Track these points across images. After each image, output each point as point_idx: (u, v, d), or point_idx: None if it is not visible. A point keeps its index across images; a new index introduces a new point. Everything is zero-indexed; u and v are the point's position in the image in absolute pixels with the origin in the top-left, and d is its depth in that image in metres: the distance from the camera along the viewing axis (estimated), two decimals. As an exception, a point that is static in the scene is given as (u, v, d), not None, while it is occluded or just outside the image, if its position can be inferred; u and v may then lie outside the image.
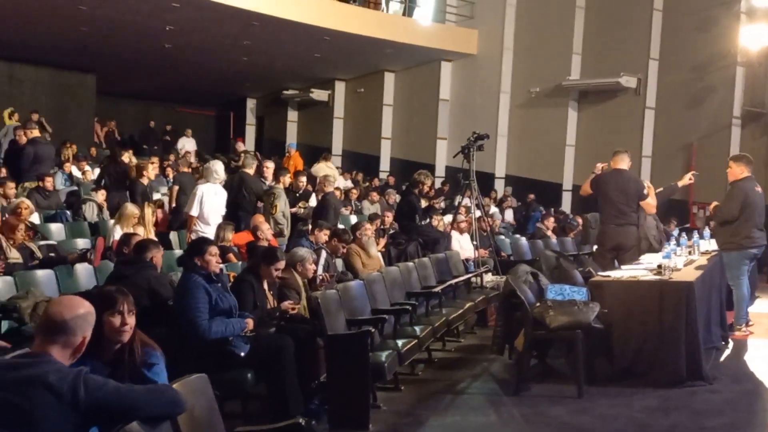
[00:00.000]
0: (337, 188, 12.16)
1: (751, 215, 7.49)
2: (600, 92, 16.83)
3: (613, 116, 16.66)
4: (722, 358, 6.90)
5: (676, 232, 8.22)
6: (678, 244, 7.46)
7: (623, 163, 7.99)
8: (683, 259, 7.15)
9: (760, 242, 7.60)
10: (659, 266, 6.34)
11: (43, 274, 6.14)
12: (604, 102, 16.85)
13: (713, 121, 15.38)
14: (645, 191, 7.98)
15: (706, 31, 15.26)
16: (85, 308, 2.67)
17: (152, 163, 11.52)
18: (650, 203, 8.03)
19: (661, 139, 16.14)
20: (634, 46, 16.23)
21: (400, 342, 5.82)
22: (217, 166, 9.07)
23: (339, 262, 7.78)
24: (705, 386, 5.79)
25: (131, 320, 3.17)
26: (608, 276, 6.50)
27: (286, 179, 9.93)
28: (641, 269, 6.64)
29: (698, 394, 5.65)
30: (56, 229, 8.76)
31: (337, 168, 18.54)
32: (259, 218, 8.49)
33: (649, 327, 5.88)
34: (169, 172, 14.41)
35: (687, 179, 8.90)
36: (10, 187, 9.18)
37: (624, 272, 6.60)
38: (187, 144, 18.43)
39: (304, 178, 10.77)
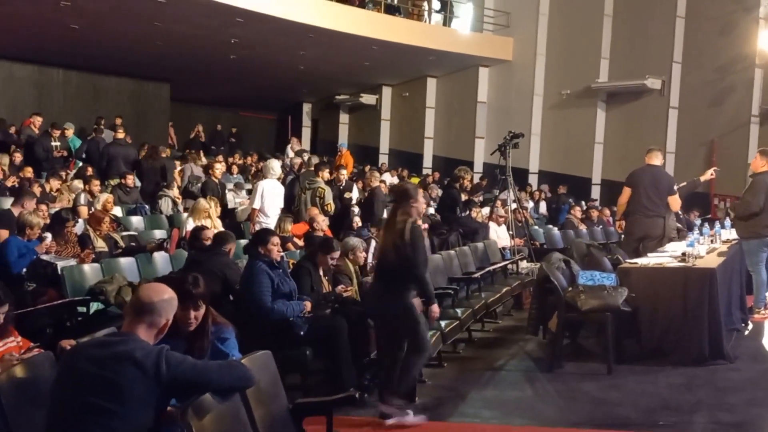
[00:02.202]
0: (383, 181, 12.14)
1: (769, 206, 7.28)
2: (626, 93, 16.53)
3: (638, 115, 16.38)
4: (742, 339, 6.71)
5: (698, 222, 8.01)
6: (701, 234, 7.31)
7: (657, 159, 7.77)
8: (706, 247, 6.99)
9: None
10: (683, 254, 6.20)
11: (126, 261, 6.27)
12: (631, 102, 16.56)
13: (733, 119, 15.05)
14: (675, 187, 7.75)
15: (726, 35, 14.92)
16: (170, 294, 2.71)
17: (218, 161, 11.65)
18: (676, 199, 7.77)
19: (684, 136, 15.82)
20: (658, 50, 15.92)
21: (443, 323, 5.79)
22: (274, 164, 9.15)
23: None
24: (726, 365, 5.65)
25: (199, 314, 3.19)
26: (636, 263, 6.37)
27: (325, 174, 9.90)
28: (666, 257, 6.50)
29: (720, 372, 5.51)
30: (136, 221, 8.92)
31: (383, 164, 18.57)
32: (315, 211, 8.53)
33: (674, 310, 5.75)
34: (234, 170, 14.60)
35: (709, 174, 8.68)
36: (96, 185, 9.39)
37: (650, 259, 6.46)
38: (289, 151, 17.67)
39: (344, 172, 10.79)
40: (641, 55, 16.16)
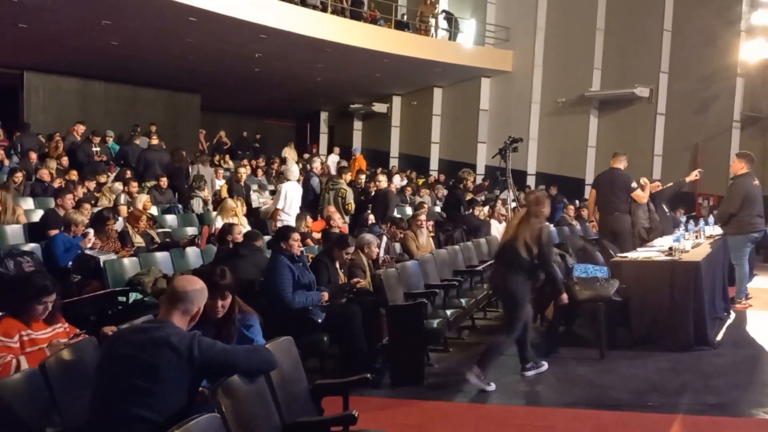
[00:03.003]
0: (392, 184, 12.13)
1: (751, 205, 7.24)
2: (617, 101, 16.42)
3: (628, 121, 16.27)
4: (725, 327, 6.67)
5: (684, 219, 7.94)
6: (686, 230, 7.26)
7: (619, 163, 7.92)
8: (691, 242, 6.94)
9: (761, 227, 7.37)
10: (670, 248, 6.18)
11: (161, 256, 6.30)
12: (621, 109, 16.45)
13: (716, 124, 14.92)
14: (633, 185, 7.79)
15: (710, 47, 14.80)
16: (201, 285, 2.74)
17: (244, 166, 11.69)
18: (639, 194, 7.85)
19: (671, 140, 15.72)
20: (646, 61, 15.81)
21: (449, 311, 5.79)
22: (294, 167, 9.20)
23: (397, 246, 7.77)
24: (710, 351, 5.65)
25: (226, 303, 3.21)
26: (626, 257, 6.34)
27: (347, 176, 9.93)
28: (655, 251, 6.46)
29: (705, 357, 5.49)
30: (170, 219, 8.97)
31: (393, 167, 18.54)
32: (332, 209, 8.53)
33: (661, 300, 5.73)
34: (259, 173, 14.64)
35: (693, 176, 8.66)
36: (134, 186, 9.45)
37: (639, 253, 6.43)
38: (332, 157, 17.18)
39: (363, 177, 10.80)
40: (631, 66, 16.05)
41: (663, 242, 7.09)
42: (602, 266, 6.09)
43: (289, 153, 18.24)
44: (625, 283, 5.74)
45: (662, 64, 15.67)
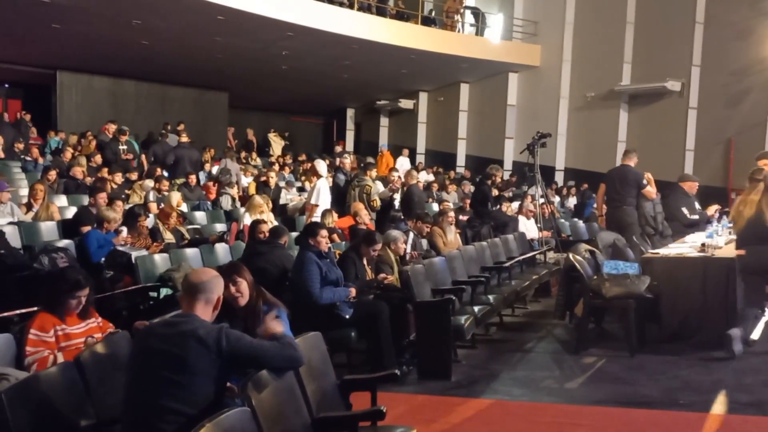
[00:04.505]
0: (419, 180, 12.06)
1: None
2: (648, 95, 16.14)
3: (659, 115, 15.99)
4: (760, 325, 6.50)
5: (717, 216, 7.80)
6: (720, 225, 7.10)
7: (629, 160, 8.07)
8: (724, 238, 6.78)
9: None
10: (703, 245, 6.05)
11: (191, 252, 6.38)
12: (652, 103, 16.16)
13: (749, 118, 14.55)
14: (644, 182, 7.92)
15: (743, 40, 14.46)
16: (214, 273, 2.80)
17: (273, 170, 11.73)
18: (650, 190, 7.98)
19: (703, 135, 15.40)
20: (678, 54, 15.50)
21: (476, 308, 5.77)
22: (323, 165, 9.23)
23: (424, 242, 7.76)
24: (745, 348, 5.48)
25: (243, 288, 3.25)
26: (657, 253, 6.24)
27: (373, 173, 9.90)
28: (687, 247, 6.35)
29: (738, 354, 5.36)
30: (200, 215, 9.07)
31: (419, 164, 18.49)
32: (359, 205, 8.54)
33: (694, 297, 5.62)
34: (287, 170, 14.70)
35: (713, 210, 8.52)
36: (165, 184, 9.59)
37: (671, 250, 6.32)
38: (405, 163, 16.65)
39: (396, 174, 10.75)
40: (662, 59, 15.76)
41: (695, 238, 6.96)
42: (633, 262, 6.01)
43: (274, 139, 18.97)
44: (656, 280, 5.65)
45: (694, 57, 15.36)
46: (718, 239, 6.37)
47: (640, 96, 16.36)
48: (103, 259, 5.92)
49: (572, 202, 15.33)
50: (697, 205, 8.24)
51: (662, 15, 15.79)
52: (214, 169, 12.59)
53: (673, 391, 4.63)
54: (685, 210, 7.94)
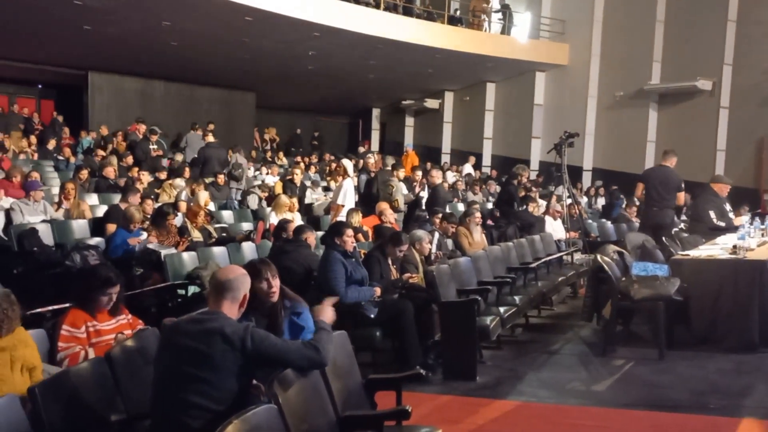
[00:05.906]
0: (445, 181, 12.03)
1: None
2: (678, 94, 15.88)
3: (689, 115, 15.73)
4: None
5: (748, 217, 7.68)
6: (752, 227, 6.97)
7: (669, 161, 7.96)
8: (756, 240, 6.66)
9: None
10: (734, 246, 5.93)
11: (218, 250, 6.44)
12: (682, 103, 15.90)
13: (782, 117, 14.27)
14: (682, 185, 7.90)
15: (776, 38, 14.16)
16: (241, 271, 2.81)
17: (299, 168, 11.81)
18: (683, 196, 8.04)
19: (734, 134, 15.11)
20: (709, 53, 15.23)
21: (502, 309, 5.73)
22: (349, 165, 9.25)
23: (449, 242, 7.73)
24: (777, 353, 5.40)
25: (276, 283, 3.28)
26: (688, 255, 6.14)
27: (401, 173, 9.90)
28: (718, 249, 6.24)
29: (770, 359, 5.27)
30: (227, 214, 9.15)
31: (444, 163, 18.45)
32: (384, 205, 8.54)
33: (724, 299, 5.52)
34: (312, 169, 14.79)
35: (741, 220, 8.37)
36: (200, 186, 9.66)
37: (702, 251, 6.21)
38: (469, 170, 16.96)
39: (420, 173, 10.77)
40: (692, 58, 15.49)
41: (726, 240, 6.84)
42: (662, 264, 5.92)
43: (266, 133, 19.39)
44: (686, 282, 5.56)
45: (726, 55, 15.08)
46: (750, 241, 6.25)
47: (670, 95, 16.11)
48: (121, 254, 5.99)
49: (600, 202, 15.17)
50: (728, 207, 8.07)
51: (693, 13, 15.53)
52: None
53: (703, 395, 4.56)
54: (712, 213, 7.77)
